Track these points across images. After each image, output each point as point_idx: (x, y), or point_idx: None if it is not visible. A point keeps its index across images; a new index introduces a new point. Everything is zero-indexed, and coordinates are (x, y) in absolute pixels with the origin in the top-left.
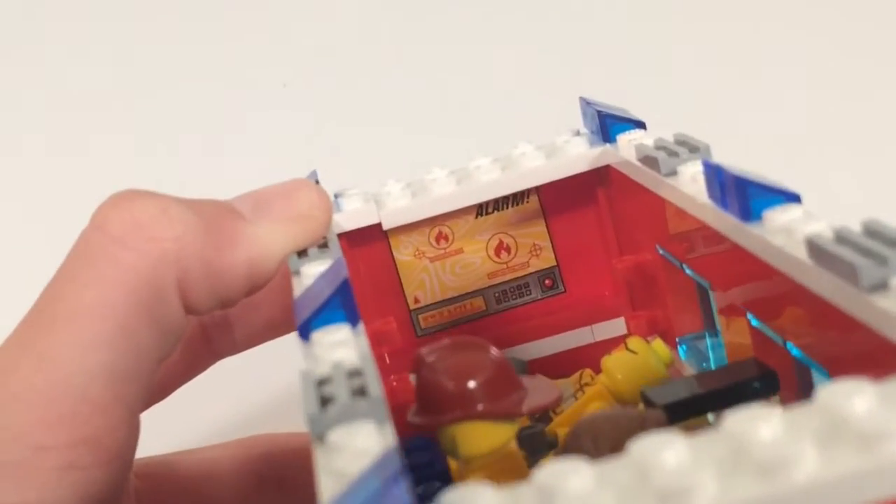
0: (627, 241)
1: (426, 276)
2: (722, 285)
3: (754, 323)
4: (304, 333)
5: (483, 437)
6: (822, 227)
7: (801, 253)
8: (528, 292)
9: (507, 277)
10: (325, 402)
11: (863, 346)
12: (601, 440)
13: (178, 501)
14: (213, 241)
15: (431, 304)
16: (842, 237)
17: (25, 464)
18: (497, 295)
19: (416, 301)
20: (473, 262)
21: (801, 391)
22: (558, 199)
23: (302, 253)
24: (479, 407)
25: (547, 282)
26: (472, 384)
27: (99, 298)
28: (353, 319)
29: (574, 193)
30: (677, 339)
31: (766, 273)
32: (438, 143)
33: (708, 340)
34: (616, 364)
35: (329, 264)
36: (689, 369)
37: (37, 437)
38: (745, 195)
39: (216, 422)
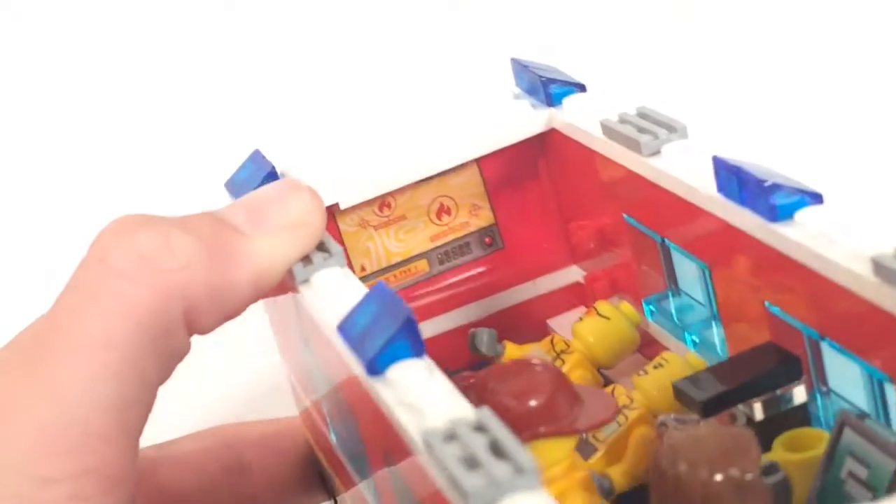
0: (577, 204)
1: (371, 245)
2: (724, 267)
3: (774, 310)
4: (376, 370)
5: (544, 454)
6: (884, 245)
7: (866, 270)
8: (469, 251)
9: (449, 238)
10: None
11: None
12: (699, 466)
13: (155, 497)
14: (217, 266)
15: (377, 271)
16: None
17: (31, 496)
18: (440, 256)
19: (363, 269)
20: (416, 226)
21: (817, 374)
22: (499, 162)
23: (305, 259)
24: (542, 430)
25: (487, 240)
26: (533, 404)
27: (104, 331)
28: (420, 352)
29: (515, 156)
30: (643, 301)
31: (806, 277)
32: (378, 111)
33: (672, 300)
34: (588, 329)
35: (356, 283)
36: (656, 327)
37: (42, 469)
38: (773, 196)
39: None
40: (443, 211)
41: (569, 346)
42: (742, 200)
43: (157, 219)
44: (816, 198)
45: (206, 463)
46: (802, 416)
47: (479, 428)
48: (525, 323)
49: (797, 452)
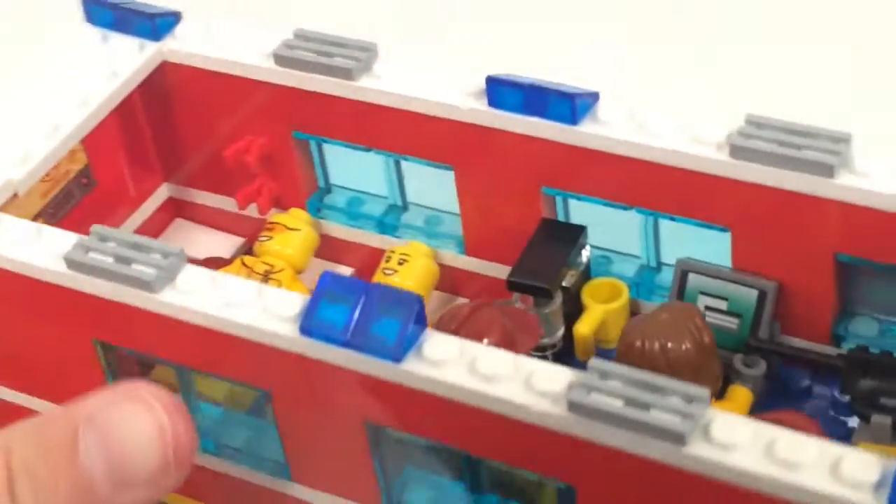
0: (212, 130)
1: None
2: (472, 169)
3: (549, 192)
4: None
5: None
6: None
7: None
8: (71, 198)
9: (56, 190)
10: None
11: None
12: (664, 338)
13: None
14: None
15: None
16: None
17: None
18: (51, 211)
19: None
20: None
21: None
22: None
23: None
24: None
25: (84, 181)
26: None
27: None
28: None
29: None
30: (307, 202)
31: (617, 163)
32: None
33: (324, 196)
34: (285, 243)
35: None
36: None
37: None
38: (574, 102)
39: None
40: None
41: (272, 266)
42: (531, 111)
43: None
44: (595, 96)
45: None
46: (587, 272)
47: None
48: None
49: (608, 302)
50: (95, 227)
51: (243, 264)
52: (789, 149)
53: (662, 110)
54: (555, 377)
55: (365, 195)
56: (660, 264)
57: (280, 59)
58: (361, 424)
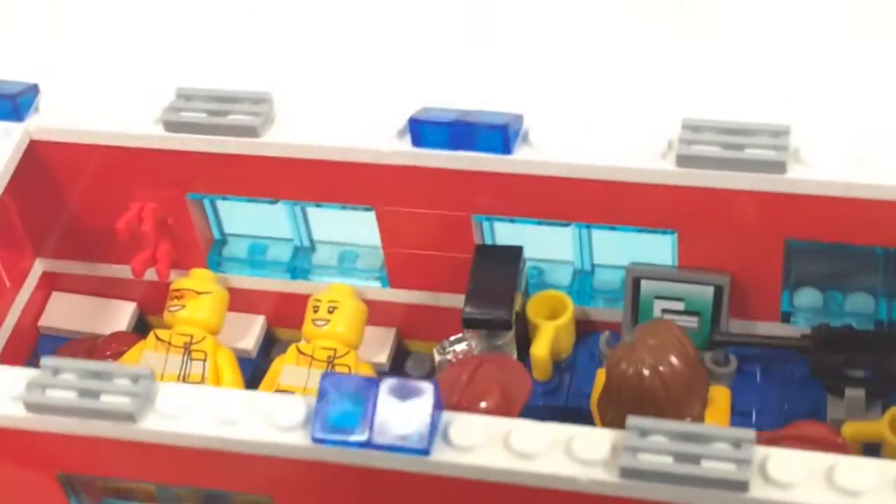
0: (91, 202)
1: None
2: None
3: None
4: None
5: None
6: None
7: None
8: None
9: None
10: None
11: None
12: (656, 360)
13: None
14: None
15: None
16: None
17: None
18: None
19: None
20: None
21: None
22: None
23: None
24: None
25: None
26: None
27: None
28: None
29: None
30: (206, 258)
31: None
32: None
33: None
34: (198, 309)
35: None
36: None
37: None
38: (506, 132)
39: None
40: None
41: (190, 336)
42: (458, 146)
43: None
44: (520, 119)
45: None
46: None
47: None
48: None
49: (553, 315)
50: (45, 361)
51: (158, 339)
52: (734, 150)
53: (593, 124)
54: (596, 443)
55: (266, 240)
56: (594, 267)
57: (170, 125)
58: None
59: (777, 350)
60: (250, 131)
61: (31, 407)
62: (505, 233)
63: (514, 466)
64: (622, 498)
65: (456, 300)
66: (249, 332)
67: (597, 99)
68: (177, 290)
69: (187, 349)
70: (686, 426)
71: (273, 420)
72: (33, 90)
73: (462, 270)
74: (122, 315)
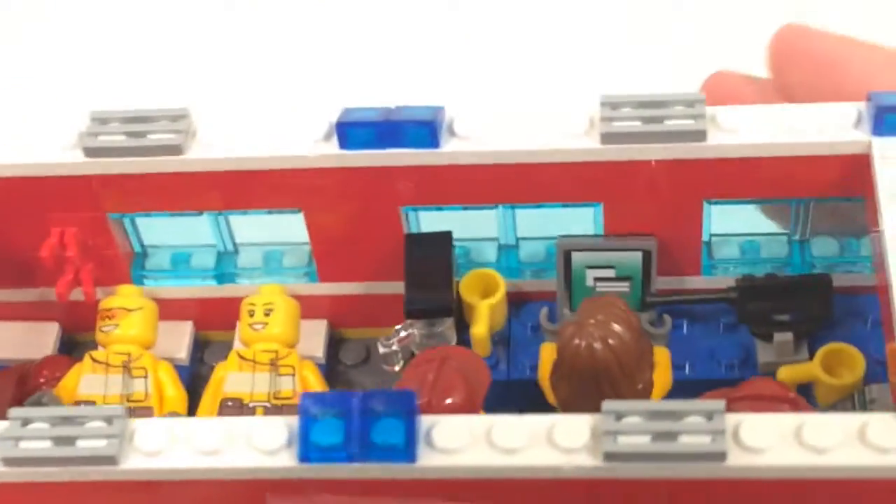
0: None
1: None
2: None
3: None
4: None
5: None
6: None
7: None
8: None
9: None
10: None
11: None
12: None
13: None
14: None
15: None
16: None
17: None
18: None
19: None
20: None
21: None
22: None
23: None
24: None
25: None
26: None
27: None
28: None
29: None
30: (130, 273)
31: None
32: None
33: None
34: (130, 326)
35: None
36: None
37: None
38: (433, 126)
39: None
40: None
41: (127, 354)
42: (386, 144)
43: None
44: (442, 111)
45: None
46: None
47: None
48: None
49: (485, 293)
50: (12, 412)
51: (95, 361)
52: (655, 124)
53: (513, 110)
54: (576, 430)
55: (188, 248)
56: (518, 241)
57: (90, 151)
58: None
59: (703, 304)
60: (174, 149)
61: (8, 461)
62: (429, 218)
63: (499, 463)
64: (607, 480)
65: (385, 287)
66: (180, 340)
67: (512, 85)
68: (107, 309)
69: (126, 368)
70: (659, 404)
71: (256, 444)
72: None
73: (391, 259)
74: (46, 336)
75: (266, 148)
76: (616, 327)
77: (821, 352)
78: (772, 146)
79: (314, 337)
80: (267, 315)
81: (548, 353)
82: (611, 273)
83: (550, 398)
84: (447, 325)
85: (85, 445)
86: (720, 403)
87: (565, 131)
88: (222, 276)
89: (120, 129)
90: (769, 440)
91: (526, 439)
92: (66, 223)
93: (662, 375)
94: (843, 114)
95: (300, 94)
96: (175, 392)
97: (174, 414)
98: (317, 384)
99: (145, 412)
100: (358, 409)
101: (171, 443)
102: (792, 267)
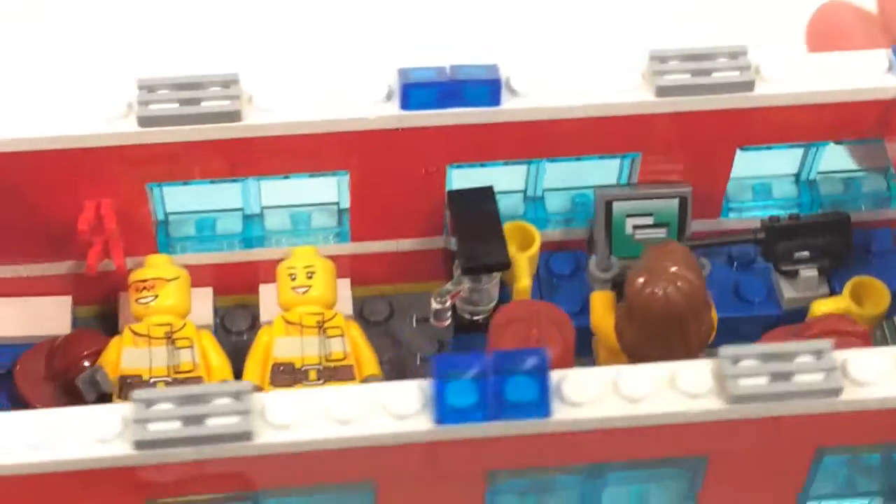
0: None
1: None
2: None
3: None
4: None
5: None
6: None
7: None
8: None
9: None
10: None
11: None
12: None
13: None
14: None
15: None
16: None
17: None
18: None
19: None
20: None
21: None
22: None
23: None
24: None
25: None
26: None
27: None
28: None
29: None
30: (156, 242)
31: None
32: None
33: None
34: (169, 296)
35: None
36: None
37: None
38: (493, 85)
39: None
40: None
41: (169, 324)
42: (446, 104)
43: None
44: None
45: None
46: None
47: None
48: None
49: (521, 245)
50: (136, 394)
51: (136, 334)
52: (703, 76)
53: (565, 65)
54: (698, 376)
55: (211, 213)
56: (544, 192)
57: (144, 120)
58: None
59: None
60: (232, 116)
61: (141, 444)
62: (457, 175)
63: (629, 412)
64: (730, 421)
65: (411, 244)
66: (204, 306)
67: (563, 39)
68: (142, 280)
69: (170, 339)
70: (772, 347)
71: (392, 410)
72: None
73: (425, 216)
74: (60, 311)
75: (329, 111)
76: (685, 272)
77: (849, 285)
78: (813, 94)
79: (342, 296)
80: (309, 278)
81: (601, 301)
82: (649, 220)
83: (607, 343)
84: (494, 281)
85: (217, 423)
86: (827, 343)
87: (619, 86)
88: (250, 241)
89: (171, 96)
90: (876, 374)
91: (651, 387)
92: (100, 195)
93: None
94: (876, 60)
95: (349, 55)
96: (220, 360)
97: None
98: (364, 345)
99: (195, 383)
100: (491, 368)
101: (305, 415)
102: (801, 207)
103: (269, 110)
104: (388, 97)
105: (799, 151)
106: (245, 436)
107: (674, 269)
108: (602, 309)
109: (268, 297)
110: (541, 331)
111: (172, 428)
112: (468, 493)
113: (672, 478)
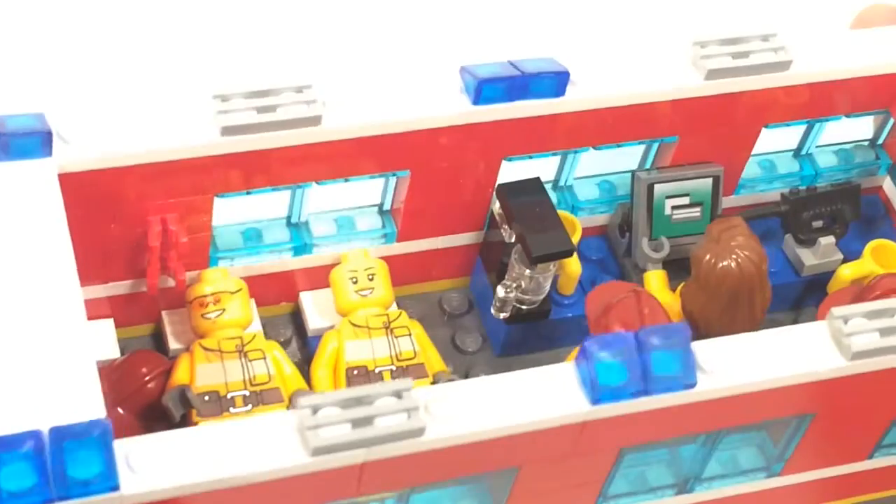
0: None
1: None
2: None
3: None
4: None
5: None
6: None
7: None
8: None
9: None
10: None
11: None
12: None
13: None
14: None
15: None
16: None
17: None
18: None
19: None
20: None
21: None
22: None
23: None
24: None
25: None
26: None
27: None
28: None
29: None
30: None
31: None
32: None
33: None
34: (235, 309)
35: None
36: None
37: None
38: (560, 77)
39: None
40: None
41: (239, 338)
42: (515, 97)
43: None
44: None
45: None
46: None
47: None
48: None
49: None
50: (300, 401)
51: (206, 349)
52: (742, 59)
53: (615, 55)
54: (815, 336)
55: (255, 223)
56: (574, 181)
57: (227, 129)
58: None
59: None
60: (314, 120)
61: (318, 451)
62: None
63: (768, 375)
64: (850, 376)
65: (451, 241)
66: (253, 317)
67: (607, 30)
68: (204, 295)
69: (241, 351)
70: (872, 305)
71: (546, 395)
72: (42, 121)
73: (472, 210)
74: (105, 335)
75: (404, 110)
76: (751, 243)
77: (868, 247)
78: (844, 70)
79: None
80: (371, 280)
81: (657, 279)
82: (686, 200)
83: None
84: (551, 272)
85: (387, 423)
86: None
87: (671, 71)
88: (300, 248)
89: (247, 104)
90: None
91: (776, 353)
92: (167, 210)
93: None
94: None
95: (404, 54)
96: (292, 369)
97: (301, 392)
98: (429, 343)
99: (273, 394)
100: (635, 346)
101: (468, 407)
102: (803, 180)
103: (347, 113)
104: (459, 93)
105: (802, 127)
106: (418, 432)
107: (740, 239)
108: (659, 286)
109: (311, 304)
110: (651, 308)
111: (344, 432)
112: (598, 468)
113: (761, 440)
